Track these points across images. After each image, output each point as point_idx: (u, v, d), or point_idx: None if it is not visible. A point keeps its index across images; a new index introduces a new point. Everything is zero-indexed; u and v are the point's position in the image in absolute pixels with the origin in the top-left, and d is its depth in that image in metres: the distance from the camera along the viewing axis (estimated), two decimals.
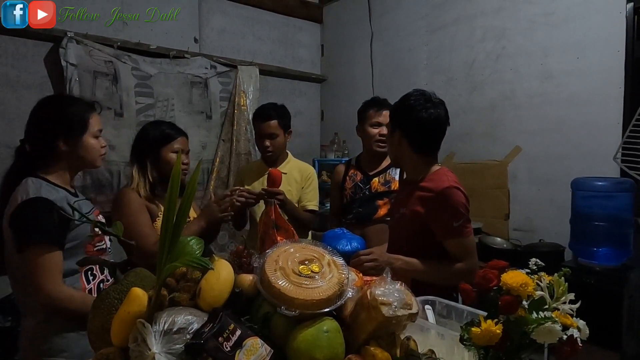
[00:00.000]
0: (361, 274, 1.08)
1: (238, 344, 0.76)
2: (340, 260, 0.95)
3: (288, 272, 0.87)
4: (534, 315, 0.78)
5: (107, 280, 1.41)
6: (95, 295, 1.31)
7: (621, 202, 2.15)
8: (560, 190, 2.50)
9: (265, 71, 3.80)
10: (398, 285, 0.86)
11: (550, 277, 0.83)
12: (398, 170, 2.16)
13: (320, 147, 4.25)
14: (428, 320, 1.09)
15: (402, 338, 0.86)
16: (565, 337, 0.77)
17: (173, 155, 1.72)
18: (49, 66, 2.77)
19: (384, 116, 2.08)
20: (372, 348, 0.80)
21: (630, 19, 2.34)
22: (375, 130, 2.14)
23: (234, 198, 1.72)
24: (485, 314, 0.83)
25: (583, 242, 2.24)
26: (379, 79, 3.73)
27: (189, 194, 0.83)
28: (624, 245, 2.17)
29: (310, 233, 2.34)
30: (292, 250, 0.95)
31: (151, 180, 1.70)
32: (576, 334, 0.78)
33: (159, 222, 1.67)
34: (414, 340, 0.86)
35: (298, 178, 2.25)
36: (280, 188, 1.83)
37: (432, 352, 0.86)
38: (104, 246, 1.44)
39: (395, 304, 0.82)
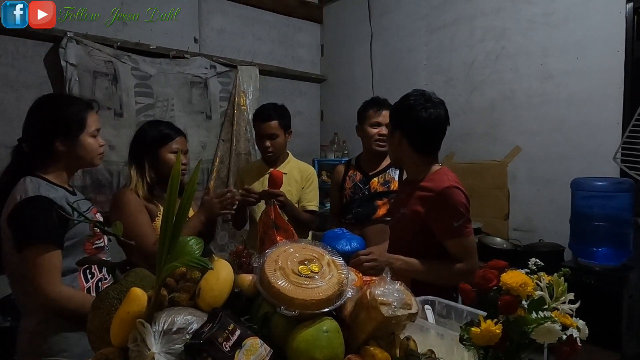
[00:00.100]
0: (361, 274, 1.08)
1: (237, 344, 0.76)
2: (339, 260, 0.95)
3: (288, 272, 0.87)
4: (534, 315, 0.78)
5: (105, 279, 1.41)
6: (94, 294, 1.32)
7: (621, 202, 2.16)
8: (560, 190, 2.50)
9: (265, 71, 3.81)
10: (398, 285, 0.86)
11: (549, 277, 0.83)
12: (397, 171, 2.16)
13: (320, 147, 4.26)
14: (428, 320, 1.09)
15: (401, 338, 0.86)
16: (564, 337, 0.77)
17: (172, 156, 1.72)
18: (49, 66, 2.77)
19: (384, 116, 2.08)
20: (371, 348, 0.80)
21: (630, 19, 2.34)
22: (375, 130, 2.14)
23: (235, 194, 1.72)
24: (484, 314, 0.83)
25: (583, 242, 2.24)
26: (378, 79, 3.73)
27: (188, 194, 0.83)
28: (623, 245, 2.17)
29: (310, 233, 2.34)
30: (291, 250, 0.95)
31: (149, 180, 1.69)
32: (576, 334, 0.78)
33: (158, 222, 1.67)
34: (414, 340, 0.86)
35: (298, 178, 2.25)
36: (281, 189, 1.83)
37: (432, 352, 0.86)
38: (102, 244, 1.44)
39: (395, 304, 0.82)
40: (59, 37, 2.70)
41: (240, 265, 1.05)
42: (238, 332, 0.77)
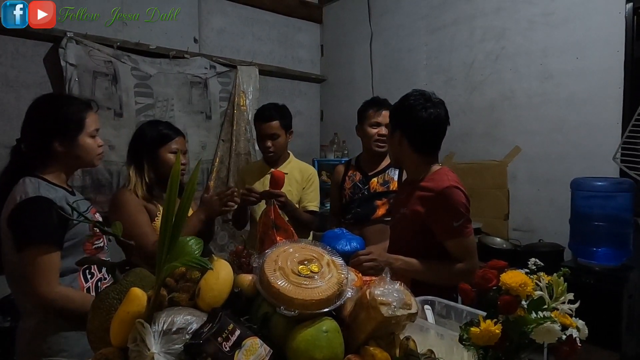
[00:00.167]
0: (360, 274, 1.08)
1: (237, 344, 0.76)
2: (339, 261, 0.95)
3: (287, 272, 0.87)
4: (533, 315, 0.78)
5: (105, 279, 1.41)
6: (93, 294, 1.32)
7: (621, 202, 2.16)
8: (559, 190, 2.50)
9: (264, 71, 3.81)
10: (397, 285, 0.86)
11: (549, 277, 0.83)
12: (397, 171, 2.16)
13: (320, 147, 4.26)
14: (427, 320, 1.09)
15: (401, 338, 0.86)
16: (564, 337, 0.77)
17: (171, 156, 1.72)
18: (49, 66, 2.77)
19: (384, 116, 2.08)
20: (371, 348, 0.80)
21: (629, 19, 2.34)
22: (375, 130, 2.14)
23: (235, 191, 1.71)
24: (484, 314, 0.83)
25: (582, 242, 2.24)
26: (378, 79, 3.73)
27: (188, 194, 0.83)
28: (623, 245, 2.17)
29: (311, 233, 2.34)
30: (291, 250, 0.95)
31: (148, 181, 1.69)
32: (575, 333, 0.78)
33: (157, 222, 1.66)
34: (414, 340, 0.86)
35: (299, 178, 2.24)
36: (282, 189, 1.82)
37: (432, 352, 0.86)
38: (102, 244, 1.44)
39: (395, 304, 0.82)
40: (59, 37, 2.70)
41: (240, 265, 1.05)
42: (238, 332, 0.77)
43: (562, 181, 2.43)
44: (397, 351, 0.84)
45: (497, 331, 0.77)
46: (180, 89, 3.27)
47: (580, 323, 0.81)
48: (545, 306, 0.80)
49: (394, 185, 2.14)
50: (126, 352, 0.78)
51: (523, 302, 0.79)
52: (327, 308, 0.84)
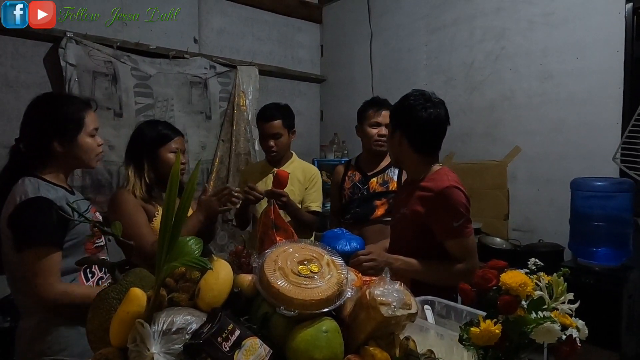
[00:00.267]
0: (360, 274, 1.08)
1: (237, 344, 0.76)
2: (339, 261, 0.95)
3: (287, 272, 0.87)
4: (533, 315, 0.78)
5: (105, 278, 1.41)
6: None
7: (620, 202, 2.16)
8: (559, 191, 2.50)
9: (264, 71, 3.80)
10: (397, 286, 0.86)
11: (549, 277, 0.83)
12: (397, 171, 2.16)
13: (319, 147, 4.26)
14: (427, 320, 1.09)
15: (401, 338, 0.86)
16: (564, 337, 0.77)
17: (171, 156, 1.71)
18: (49, 66, 2.77)
19: (383, 116, 2.08)
20: (371, 348, 0.80)
21: (629, 19, 2.34)
22: (374, 130, 2.14)
23: (232, 189, 1.71)
24: (484, 314, 0.83)
25: (582, 242, 2.24)
26: (378, 79, 3.73)
27: (188, 194, 0.83)
28: (623, 246, 2.17)
29: (313, 234, 2.33)
30: (291, 250, 0.95)
31: (148, 181, 1.68)
32: (575, 333, 0.78)
33: (155, 222, 1.66)
34: (413, 340, 0.86)
35: (301, 178, 2.24)
36: (284, 189, 1.82)
37: (432, 352, 0.86)
38: (102, 243, 1.44)
39: (395, 304, 0.82)
40: (59, 37, 2.70)
41: (239, 265, 1.05)
42: (237, 332, 0.77)
43: (562, 181, 2.43)
44: (397, 351, 0.84)
45: (497, 331, 0.77)
46: (180, 89, 3.27)
47: (580, 323, 0.81)
48: (545, 306, 0.80)
49: (393, 186, 2.15)
50: (126, 352, 0.78)
51: (523, 302, 0.79)
52: (327, 308, 0.84)
